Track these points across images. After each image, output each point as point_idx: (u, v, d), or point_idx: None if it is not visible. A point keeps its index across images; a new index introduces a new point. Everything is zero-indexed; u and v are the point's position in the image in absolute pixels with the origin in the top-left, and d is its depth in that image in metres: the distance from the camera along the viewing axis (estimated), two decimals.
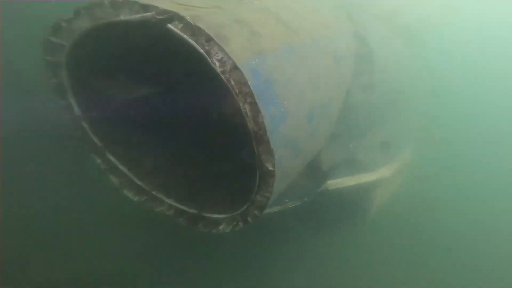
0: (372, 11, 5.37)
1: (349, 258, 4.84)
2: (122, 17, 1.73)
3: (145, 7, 1.66)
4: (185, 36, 1.59)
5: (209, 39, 1.58)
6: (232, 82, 1.61)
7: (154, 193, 2.64)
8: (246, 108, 1.64)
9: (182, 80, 3.28)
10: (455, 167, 7.00)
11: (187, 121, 3.35)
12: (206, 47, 1.61)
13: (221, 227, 2.30)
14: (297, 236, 4.31)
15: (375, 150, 3.97)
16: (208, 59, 1.60)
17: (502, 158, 8.16)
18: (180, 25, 1.62)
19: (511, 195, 7.27)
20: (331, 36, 2.68)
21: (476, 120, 8.57)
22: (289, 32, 2.12)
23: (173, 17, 1.65)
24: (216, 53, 1.59)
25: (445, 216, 5.89)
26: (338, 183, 3.27)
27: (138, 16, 1.70)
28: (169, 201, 2.61)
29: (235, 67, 1.56)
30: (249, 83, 1.54)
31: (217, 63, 1.61)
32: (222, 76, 1.60)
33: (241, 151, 3.05)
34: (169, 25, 1.60)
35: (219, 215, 2.33)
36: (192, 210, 2.51)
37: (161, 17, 1.68)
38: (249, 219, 2.04)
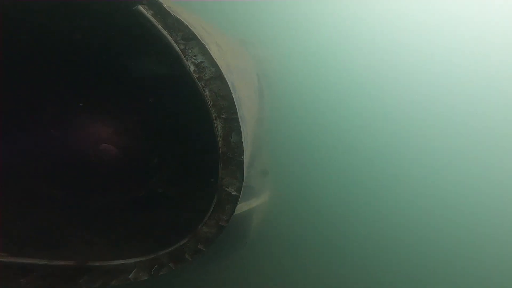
0: (250, 54, 6.14)
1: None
2: None
3: None
4: (159, 26, 1.26)
5: (189, 38, 1.33)
6: (207, 93, 1.40)
7: None
8: (218, 125, 1.45)
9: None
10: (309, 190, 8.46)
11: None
12: (181, 46, 1.34)
13: (131, 275, 1.73)
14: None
15: (259, 177, 4.34)
16: (184, 60, 1.33)
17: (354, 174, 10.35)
18: (151, 12, 1.28)
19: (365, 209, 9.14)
20: (250, 68, 2.85)
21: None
22: (234, 54, 2.10)
23: None
24: (195, 56, 1.35)
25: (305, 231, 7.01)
26: (237, 209, 3.31)
27: None
28: None
29: (218, 77, 1.37)
30: (232, 96, 1.40)
31: (192, 67, 1.36)
32: (199, 84, 1.37)
33: (145, 178, 2.53)
34: (140, 7, 1.23)
35: (124, 260, 1.75)
36: (56, 262, 1.68)
37: None
38: (187, 256, 1.68)
